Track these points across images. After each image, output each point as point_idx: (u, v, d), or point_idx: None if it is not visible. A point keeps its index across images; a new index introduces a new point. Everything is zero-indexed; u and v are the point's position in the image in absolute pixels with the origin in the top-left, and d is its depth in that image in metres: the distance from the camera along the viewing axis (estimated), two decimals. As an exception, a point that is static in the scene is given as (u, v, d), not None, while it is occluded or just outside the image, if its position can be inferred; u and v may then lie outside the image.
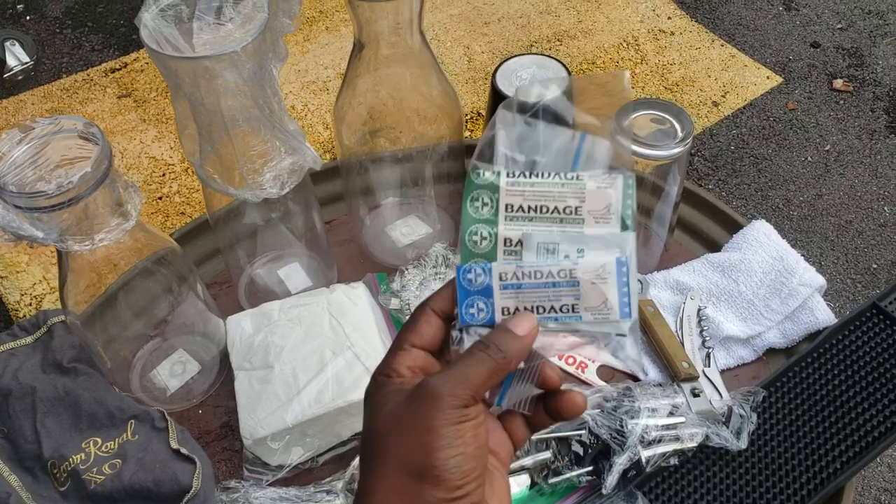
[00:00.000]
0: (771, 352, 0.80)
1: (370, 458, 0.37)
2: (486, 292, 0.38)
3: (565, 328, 0.38)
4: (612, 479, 0.66)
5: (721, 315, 0.80)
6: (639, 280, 0.83)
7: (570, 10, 2.52)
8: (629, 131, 0.72)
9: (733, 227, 0.88)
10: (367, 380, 0.69)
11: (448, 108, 0.76)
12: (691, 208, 0.90)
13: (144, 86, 2.27)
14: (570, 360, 0.76)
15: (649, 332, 0.78)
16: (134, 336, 0.78)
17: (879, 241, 1.90)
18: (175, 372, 0.79)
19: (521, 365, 0.39)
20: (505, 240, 0.39)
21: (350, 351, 0.73)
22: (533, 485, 0.69)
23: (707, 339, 0.78)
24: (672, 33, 2.44)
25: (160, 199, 1.96)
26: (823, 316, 0.79)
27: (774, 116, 2.19)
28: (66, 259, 0.64)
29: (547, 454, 0.69)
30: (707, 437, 0.68)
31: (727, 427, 0.69)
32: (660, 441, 0.68)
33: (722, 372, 0.77)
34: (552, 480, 0.68)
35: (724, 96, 2.24)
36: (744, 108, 2.21)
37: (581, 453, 0.69)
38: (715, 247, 0.88)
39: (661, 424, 0.69)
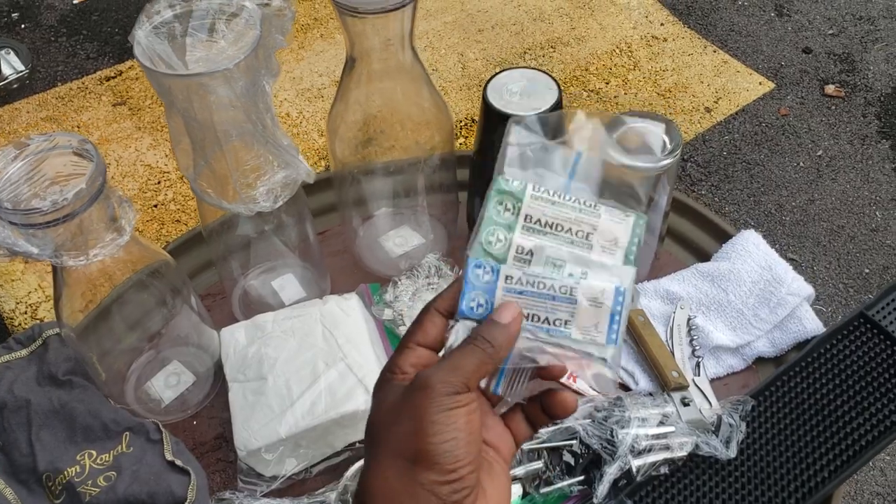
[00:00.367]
0: (760, 361, 0.81)
1: (371, 448, 0.40)
2: (490, 290, 0.40)
3: (553, 341, 0.40)
4: (602, 489, 0.67)
5: (710, 324, 0.81)
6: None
7: (564, 17, 2.54)
8: (618, 143, 0.73)
9: (722, 236, 0.89)
10: (359, 391, 0.71)
11: (439, 120, 0.77)
12: (681, 218, 0.91)
13: (139, 94, 2.27)
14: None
15: (639, 341, 0.79)
16: (128, 348, 0.78)
17: (871, 246, 1.92)
18: (170, 383, 0.79)
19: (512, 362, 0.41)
20: (518, 247, 0.41)
21: (343, 362, 0.73)
22: (525, 494, 0.70)
23: (697, 348, 0.78)
24: (665, 39, 2.45)
25: (155, 206, 1.97)
26: (812, 325, 0.80)
27: (767, 122, 2.21)
28: (61, 273, 0.64)
29: (538, 464, 0.70)
30: (697, 446, 0.69)
31: (717, 436, 0.70)
32: (650, 450, 0.69)
33: (711, 381, 0.77)
34: (544, 490, 0.69)
35: (716, 102, 2.25)
36: (736, 113, 2.23)
37: (572, 463, 0.69)
38: (704, 256, 0.89)
39: (651, 434, 0.70)
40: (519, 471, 0.70)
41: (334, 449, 0.73)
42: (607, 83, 2.30)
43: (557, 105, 0.74)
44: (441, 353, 0.41)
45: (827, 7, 2.58)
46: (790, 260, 1.84)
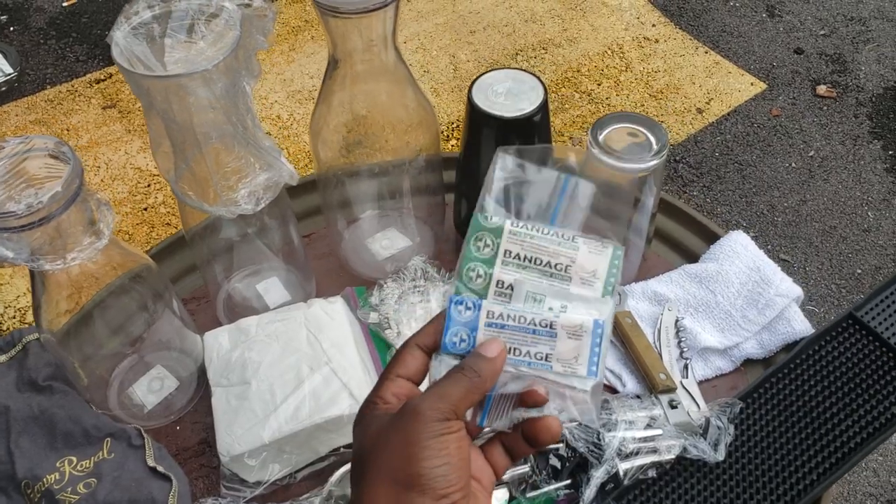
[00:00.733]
0: (748, 362, 0.80)
1: (360, 476, 0.40)
2: (472, 326, 0.41)
3: (535, 374, 0.41)
4: (589, 493, 0.66)
5: (699, 326, 0.80)
6: (617, 291, 0.83)
7: (555, 18, 2.53)
8: (605, 145, 0.72)
9: (711, 237, 0.88)
10: (344, 395, 0.70)
11: (425, 121, 0.77)
12: (668, 219, 0.91)
13: (129, 96, 2.26)
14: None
15: (627, 343, 0.78)
16: (110, 353, 0.77)
17: (863, 247, 1.92)
18: (153, 388, 0.78)
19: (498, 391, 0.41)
20: (498, 281, 0.42)
21: (327, 366, 0.73)
22: (511, 499, 0.69)
23: (685, 350, 0.78)
24: (656, 41, 2.45)
25: (145, 210, 1.96)
26: (800, 326, 0.80)
27: (758, 123, 2.21)
28: (39, 278, 0.63)
29: (525, 468, 0.69)
30: (685, 449, 0.69)
31: (705, 439, 0.69)
32: (637, 453, 0.68)
33: (700, 383, 0.77)
34: (530, 494, 0.68)
35: (708, 103, 2.25)
36: (728, 114, 2.23)
37: (559, 467, 0.69)
38: (693, 258, 0.88)
39: (639, 437, 0.69)
40: (505, 475, 0.69)
41: (319, 454, 0.72)
42: (599, 84, 2.30)
43: (543, 106, 0.74)
44: (424, 385, 0.42)
45: (818, 8, 2.58)
46: (782, 261, 1.84)
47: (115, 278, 0.68)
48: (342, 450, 0.72)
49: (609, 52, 2.41)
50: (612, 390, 0.77)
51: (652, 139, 0.73)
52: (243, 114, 0.64)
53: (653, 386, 0.74)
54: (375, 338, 0.79)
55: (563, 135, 2.13)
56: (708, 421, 0.70)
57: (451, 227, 0.90)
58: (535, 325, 0.41)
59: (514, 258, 0.42)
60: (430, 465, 0.37)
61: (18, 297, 1.77)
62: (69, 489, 0.66)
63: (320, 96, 0.73)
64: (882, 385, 0.72)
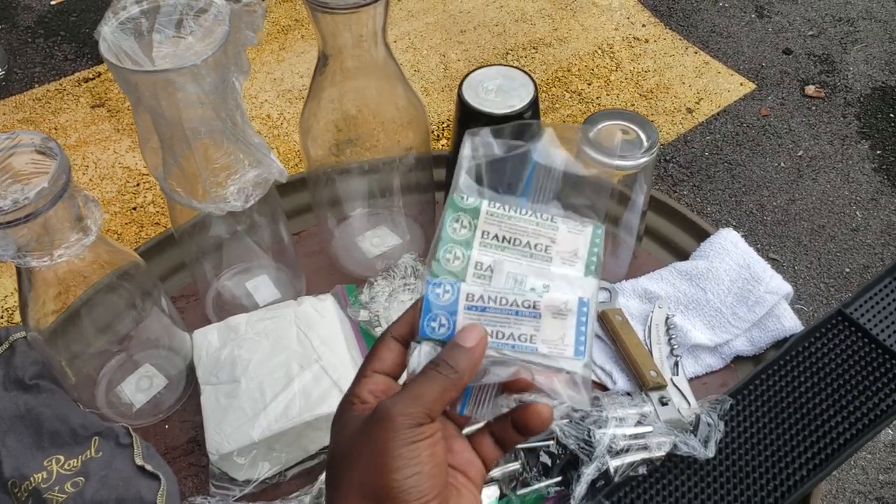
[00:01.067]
0: (738, 359, 0.80)
1: (332, 484, 0.38)
2: (451, 309, 0.39)
3: (520, 356, 0.39)
4: (580, 490, 0.66)
5: (689, 323, 0.80)
6: (607, 289, 0.83)
7: (546, 18, 2.54)
8: (596, 142, 0.72)
9: (701, 235, 0.88)
10: (334, 393, 0.70)
11: (415, 119, 0.76)
12: (659, 217, 0.91)
13: (118, 95, 2.25)
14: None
15: (617, 340, 0.78)
16: (98, 352, 0.76)
17: (852, 246, 1.93)
18: (141, 387, 0.78)
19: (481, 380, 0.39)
20: (477, 263, 0.40)
21: (317, 364, 0.72)
22: (502, 496, 0.69)
23: (675, 347, 0.78)
24: (646, 41, 2.46)
25: (135, 209, 1.95)
26: (790, 323, 0.80)
27: (748, 123, 2.22)
28: (26, 275, 0.63)
29: (515, 465, 0.69)
30: (675, 445, 0.69)
31: (695, 435, 0.69)
32: (628, 450, 0.68)
33: (690, 380, 0.77)
34: (521, 492, 0.68)
35: (698, 103, 2.26)
36: (717, 114, 2.23)
37: (549, 464, 0.69)
38: (683, 255, 0.88)
39: (629, 434, 0.69)
40: (496, 472, 0.69)
41: (308, 452, 0.72)
42: (589, 84, 2.30)
43: (533, 103, 0.74)
44: (403, 377, 0.40)
45: (807, 8, 2.59)
46: (771, 259, 1.85)
47: (103, 276, 0.67)
48: (332, 448, 0.72)
49: (599, 51, 2.41)
50: (603, 387, 0.77)
51: (643, 136, 0.74)
52: (232, 110, 0.64)
53: (643, 383, 0.74)
54: (366, 335, 0.79)
55: (553, 134, 2.12)
56: (698, 418, 0.70)
57: (442, 225, 0.90)
58: (517, 305, 0.39)
59: (493, 239, 0.41)
60: (401, 477, 0.35)
61: (6, 297, 1.76)
62: (56, 488, 0.66)
63: (310, 93, 0.73)
64: (871, 382, 0.72)
